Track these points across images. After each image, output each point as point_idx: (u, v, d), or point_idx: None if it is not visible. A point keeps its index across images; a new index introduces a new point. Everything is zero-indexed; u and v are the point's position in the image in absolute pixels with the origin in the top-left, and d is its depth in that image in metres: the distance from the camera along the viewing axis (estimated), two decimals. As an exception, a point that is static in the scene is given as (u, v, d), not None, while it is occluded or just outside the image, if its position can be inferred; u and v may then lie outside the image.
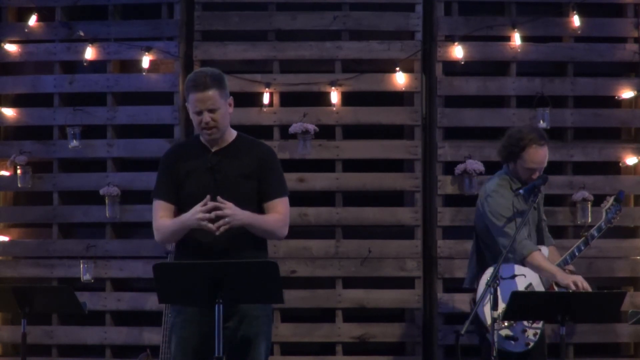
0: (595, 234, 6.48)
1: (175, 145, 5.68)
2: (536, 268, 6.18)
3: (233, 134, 5.51)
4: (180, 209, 5.42)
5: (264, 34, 7.93)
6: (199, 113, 5.36)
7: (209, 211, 5.23)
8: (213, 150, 5.44)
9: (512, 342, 6.17)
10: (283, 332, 7.77)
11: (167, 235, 5.41)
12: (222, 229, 5.22)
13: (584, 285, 6.12)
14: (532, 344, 6.22)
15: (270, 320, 5.50)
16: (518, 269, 6.22)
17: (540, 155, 6.30)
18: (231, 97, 5.44)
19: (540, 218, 6.53)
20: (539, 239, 6.46)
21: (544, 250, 6.40)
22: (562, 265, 6.34)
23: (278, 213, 5.41)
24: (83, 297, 6.55)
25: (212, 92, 5.34)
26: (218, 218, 5.24)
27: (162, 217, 5.41)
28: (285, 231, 5.45)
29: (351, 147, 7.86)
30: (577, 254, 6.41)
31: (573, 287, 6.08)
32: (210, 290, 5.01)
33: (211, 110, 5.36)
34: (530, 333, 6.21)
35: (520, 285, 6.23)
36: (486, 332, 6.12)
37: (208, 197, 5.26)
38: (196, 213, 5.25)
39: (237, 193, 5.32)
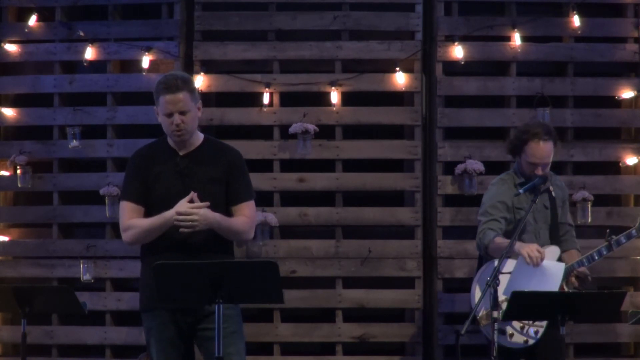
0: (623, 241, 6.39)
1: (142, 147, 5.67)
2: (497, 251, 6.15)
3: (200, 137, 5.57)
4: (148, 212, 5.45)
5: (264, 34, 7.93)
6: (170, 115, 5.41)
7: (190, 212, 5.32)
8: (181, 153, 5.50)
9: (507, 337, 6.15)
10: (283, 332, 7.77)
11: (142, 234, 5.43)
12: (186, 231, 5.31)
13: (535, 254, 6.06)
14: (532, 341, 6.21)
15: (240, 318, 5.58)
16: (511, 263, 6.22)
17: (541, 150, 6.29)
18: (200, 101, 5.50)
19: (557, 220, 6.49)
20: (552, 241, 6.43)
21: (552, 250, 6.37)
22: (577, 266, 6.33)
23: (245, 216, 5.49)
24: (83, 297, 6.55)
25: (183, 95, 5.40)
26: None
27: (132, 219, 5.44)
28: (252, 234, 5.56)
29: (351, 147, 7.86)
30: (596, 258, 6.35)
31: (527, 258, 6.06)
32: (210, 290, 5.02)
33: (182, 113, 5.41)
34: (530, 331, 6.20)
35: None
36: (478, 326, 6.14)
37: (193, 194, 5.33)
38: (179, 207, 5.32)
39: (206, 196, 5.38)
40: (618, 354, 7.93)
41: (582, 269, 6.35)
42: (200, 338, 5.48)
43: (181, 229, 5.32)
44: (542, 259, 6.10)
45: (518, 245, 6.13)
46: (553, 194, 6.47)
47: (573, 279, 6.34)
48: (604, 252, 6.37)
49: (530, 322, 6.20)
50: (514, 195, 6.35)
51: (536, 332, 6.22)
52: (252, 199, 5.58)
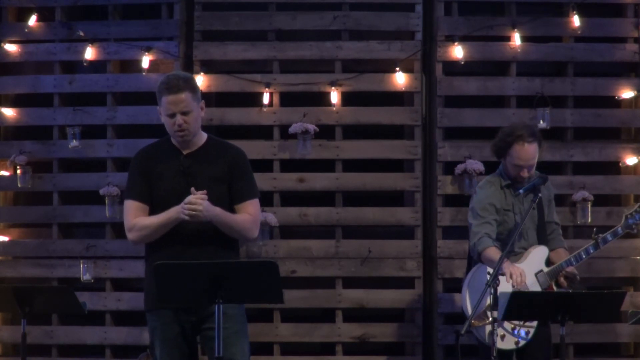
0: (609, 238, 6.35)
1: (146, 147, 5.68)
2: (488, 262, 6.16)
3: (204, 136, 5.57)
4: (151, 211, 5.46)
5: (264, 34, 7.93)
6: (172, 115, 5.42)
7: (194, 202, 5.34)
8: (185, 153, 5.50)
9: (499, 338, 6.15)
10: (283, 332, 7.77)
11: (149, 232, 5.44)
12: (188, 219, 5.32)
13: (519, 279, 6.08)
14: (522, 342, 6.21)
15: (245, 318, 5.57)
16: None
17: (525, 152, 6.28)
18: (203, 100, 5.50)
19: (544, 220, 6.49)
20: (539, 240, 6.44)
21: (541, 250, 6.38)
22: (565, 266, 6.33)
23: (248, 214, 5.47)
24: (83, 297, 6.55)
25: (185, 95, 5.40)
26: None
27: (137, 217, 5.44)
28: (256, 232, 5.55)
29: (351, 147, 7.86)
30: (584, 256, 6.32)
31: (508, 278, 6.08)
32: (210, 290, 5.02)
33: (184, 113, 5.42)
34: (522, 332, 6.20)
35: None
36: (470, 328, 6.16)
37: (194, 190, 5.35)
38: (185, 203, 5.34)
39: (209, 196, 5.37)
40: (618, 354, 7.93)
41: (571, 268, 6.32)
42: (205, 337, 5.49)
43: (183, 215, 5.32)
44: (521, 284, 6.12)
45: (505, 265, 6.14)
46: (533, 194, 6.44)
47: (562, 279, 6.33)
48: (591, 251, 6.35)
49: (521, 323, 6.20)
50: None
51: (527, 333, 6.22)
52: (256, 198, 5.57)
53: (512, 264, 6.19)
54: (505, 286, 6.09)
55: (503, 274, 6.07)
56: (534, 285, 6.27)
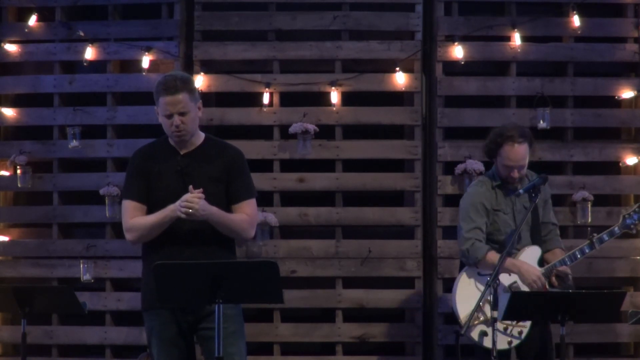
0: (606, 238, 6.33)
1: (143, 147, 5.68)
2: (491, 266, 6.13)
3: (201, 136, 5.57)
4: (149, 211, 5.46)
5: (264, 34, 7.93)
6: (170, 116, 5.41)
7: (191, 199, 5.33)
8: (182, 152, 5.50)
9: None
10: (283, 332, 7.77)
11: (146, 231, 5.44)
12: (184, 217, 5.31)
13: (536, 279, 6.16)
14: (515, 342, 6.21)
15: (242, 318, 5.58)
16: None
17: (515, 153, 6.28)
18: (200, 100, 5.49)
19: (538, 221, 6.49)
20: (533, 241, 6.44)
21: (534, 250, 6.38)
22: (558, 265, 6.32)
23: (245, 214, 5.48)
24: (83, 297, 6.56)
25: (182, 96, 5.40)
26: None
27: (135, 217, 5.44)
28: (252, 232, 5.55)
29: (351, 147, 7.86)
30: (579, 256, 6.31)
31: (534, 286, 6.14)
32: (210, 290, 5.02)
33: (182, 114, 5.41)
34: (514, 331, 6.20)
35: (505, 282, 6.23)
36: (460, 328, 6.15)
37: (192, 188, 5.35)
38: (181, 201, 5.33)
39: (206, 195, 5.37)
40: (618, 354, 7.93)
41: (563, 268, 6.30)
42: (201, 337, 5.49)
43: (179, 212, 5.32)
44: (543, 285, 6.17)
45: (516, 268, 6.16)
46: (533, 194, 6.43)
47: (553, 278, 6.33)
48: (587, 251, 6.33)
49: (514, 322, 6.19)
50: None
51: (520, 333, 6.22)
52: (253, 198, 5.57)
53: (523, 262, 6.22)
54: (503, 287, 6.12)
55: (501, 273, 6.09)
56: (523, 285, 6.29)
